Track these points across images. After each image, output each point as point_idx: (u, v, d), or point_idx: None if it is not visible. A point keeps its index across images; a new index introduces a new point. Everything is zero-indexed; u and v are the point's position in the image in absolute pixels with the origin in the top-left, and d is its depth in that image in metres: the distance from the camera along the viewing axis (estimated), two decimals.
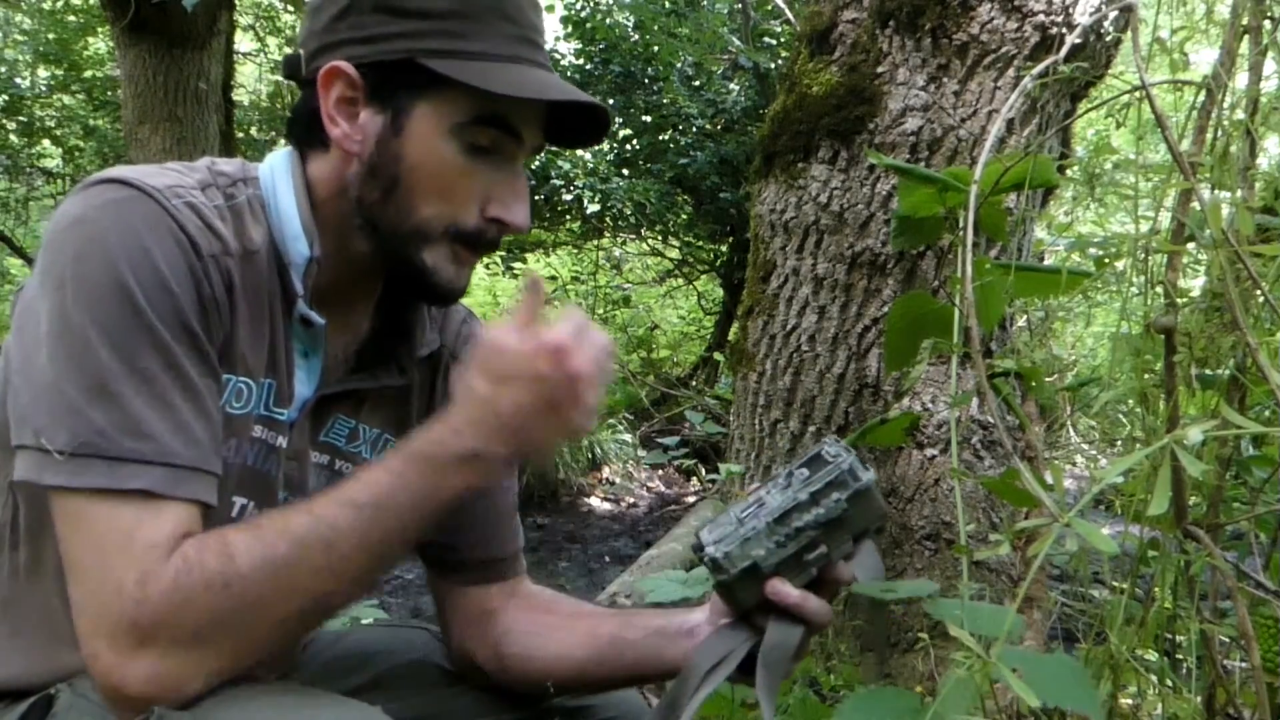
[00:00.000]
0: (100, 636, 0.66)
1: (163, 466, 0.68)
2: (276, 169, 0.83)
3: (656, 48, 5.86)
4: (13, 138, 7.35)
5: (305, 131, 0.83)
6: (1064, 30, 1.77)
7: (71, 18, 7.15)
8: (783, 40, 5.93)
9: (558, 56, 6.50)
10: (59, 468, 0.66)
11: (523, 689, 0.96)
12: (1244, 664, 1.02)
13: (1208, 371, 0.96)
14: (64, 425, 0.66)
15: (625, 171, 6.32)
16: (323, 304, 0.82)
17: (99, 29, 7.04)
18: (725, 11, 6.29)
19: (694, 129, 6.02)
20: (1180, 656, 1.01)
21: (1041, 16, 1.78)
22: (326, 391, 0.85)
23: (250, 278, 0.77)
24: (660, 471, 5.36)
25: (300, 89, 0.83)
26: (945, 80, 1.85)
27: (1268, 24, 0.91)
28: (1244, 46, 0.92)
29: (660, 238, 7.02)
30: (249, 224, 0.79)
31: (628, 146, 6.40)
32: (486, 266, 9.14)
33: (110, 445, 0.66)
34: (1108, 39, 1.86)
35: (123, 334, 0.68)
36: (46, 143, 7.72)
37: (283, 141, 0.89)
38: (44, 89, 7.40)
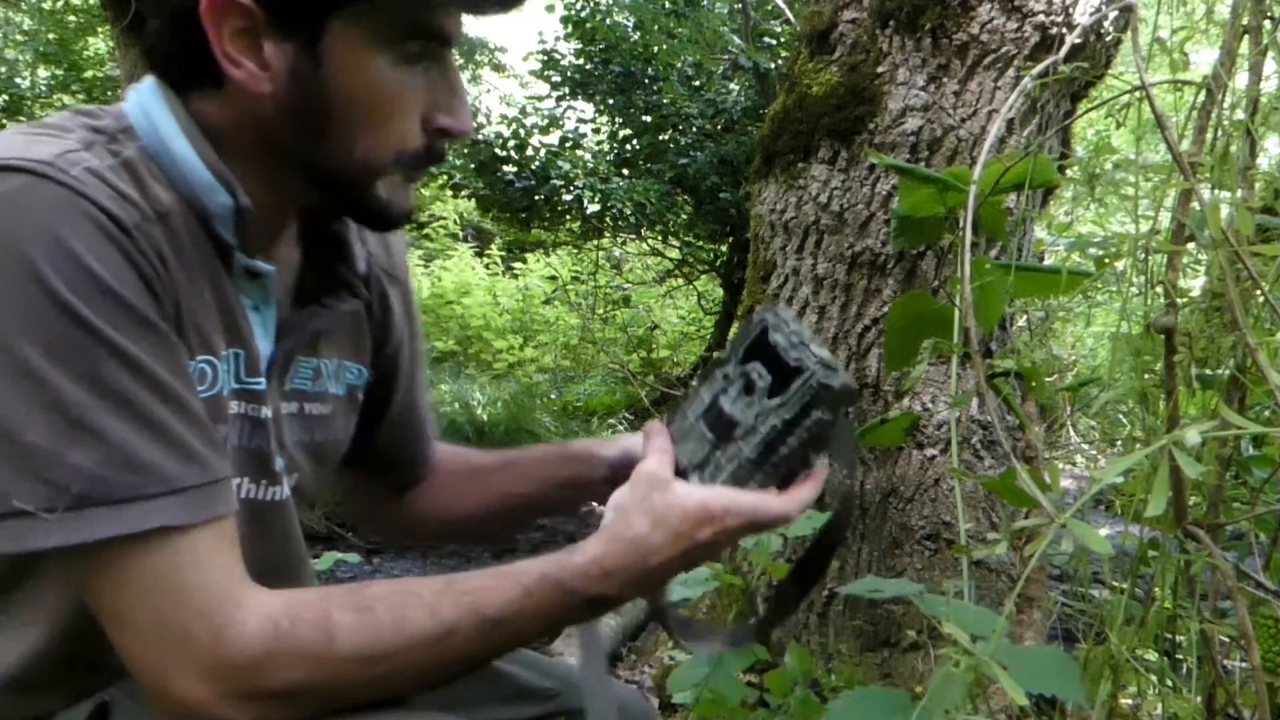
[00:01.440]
0: (169, 680, 0.61)
1: (171, 496, 0.61)
2: (154, 114, 0.69)
3: (656, 48, 5.85)
4: None
5: (183, 71, 0.70)
6: (1064, 30, 1.77)
7: (71, 18, 7.15)
8: (783, 40, 5.93)
9: (558, 56, 6.50)
10: (51, 528, 0.58)
11: (435, 539, 1.01)
12: (1244, 664, 1.02)
13: (1208, 371, 0.96)
14: (41, 480, 0.58)
15: (625, 171, 6.32)
16: (252, 248, 0.74)
17: (99, 29, 7.05)
18: (725, 11, 6.28)
19: (694, 129, 6.01)
20: (1180, 656, 1.01)
21: (1041, 16, 1.78)
22: (287, 342, 0.79)
23: (174, 242, 0.67)
24: None
25: (160, 19, 0.70)
26: (945, 80, 1.85)
27: (1268, 24, 0.91)
28: (1244, 46, 0.92)
29: (660, 238, 7.02)
30: (149, 182, 0.67)
31: (628, 146, 6.40)
32: (486, 266, 9.16)
33: (106, 488, 0.59)
34: (1108, 39, 1.86)
35: (75, 354, 0.58)
36: None
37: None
38: (44, 89, 7.40)
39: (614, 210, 6.07)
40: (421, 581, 0.69)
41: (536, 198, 6.12)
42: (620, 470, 0.88)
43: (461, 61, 8.22)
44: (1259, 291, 0.81)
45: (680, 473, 0.77)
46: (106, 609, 0.62)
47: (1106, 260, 1.12)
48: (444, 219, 10.24)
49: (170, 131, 0.69)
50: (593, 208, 6.08)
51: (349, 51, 0.68)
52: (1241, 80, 0.95)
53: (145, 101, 0.70)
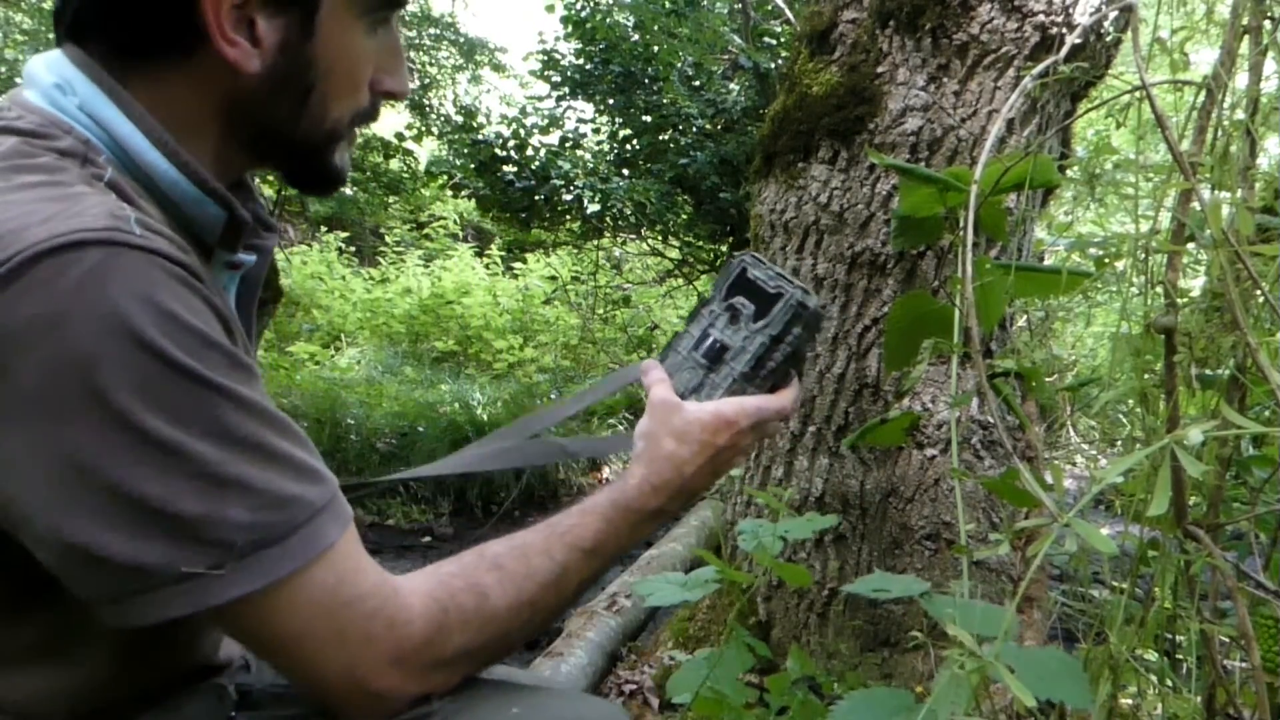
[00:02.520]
0: (362, 676, 0.65)
1: (318, 517, 0.63)
2: (104, 117, 0.64)
3: (656, 48, 5.85)
4: None
5: (141, 41, 0.66)
6: (1064, 30, 1.77)
7: None
8: (783, 40, 5.92)
9: (558, 56, 6.49)
10: (226, 583, 0.58)
11: None
12: (1244, 664, 1.02)
13: (1208, 371, 0.96)
14: (204, 542, 0.58)
15: (625, 171, 6.32)
16: (232, 241, 0.73)
17: None
18: (725, 11, 6.28)
19: (694, 129, 6.01)
20: (1180, 656, 1.01)
21: (1041, 16, 1.78)
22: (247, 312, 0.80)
23: None
24: None
25: None
26: (945, 80, 1.85)
27: (1268, 24, 0.91)
28: (1244, 46, 0.92)
29: (660, 238, 7.02)
30: (140, 203, 0.64)
31: (628, 146, 6.39)
32: (486, 266, 9.16)
33: (266, 531, 0.60)
34: (1108, 39, 1.86)
35: (200, 413, 0.58)
36: None
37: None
38: None
39: (614, 210, 6.07)
40: (528, 533, 0.77)
41: (536, 198, 6.11)
42: None
43: (461, 61, 8.23)
44: (1259, 291, 0.81)
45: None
46: (280, 639, 0.64)
47: (1106, 260, 1.12)
48: (444, 219, 10.24)
49: (137, 143, 0.65)
50: (593, 208, 6.07)
51: (338, 22, 0.69)
52: (1241, 80, 0.95)
53: (88, 102, 0.64)
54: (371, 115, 0.78)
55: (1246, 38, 0.91)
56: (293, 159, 0.76)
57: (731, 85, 6.22)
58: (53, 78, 0.66)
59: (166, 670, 0.76)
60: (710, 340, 0.88)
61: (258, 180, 0.93)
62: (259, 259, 0.80)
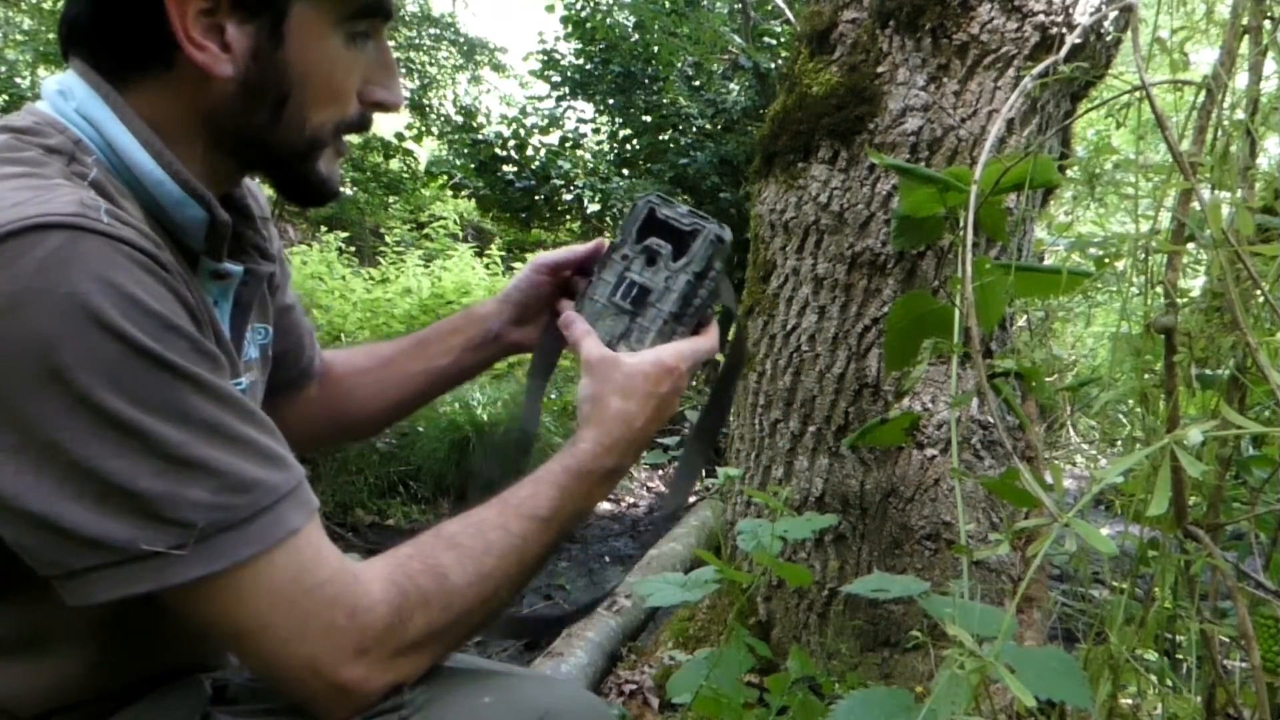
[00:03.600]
0: (323, 667, 0.65)
1: (281, 503, 0.63)
2: (98, 120, 0.67)
3: (657, 48, 5.86)
4: None
5: (128, 55, 0.69)
6: (1064, 30, 1.77)
7: None
8: (783, 40, 5.93)
9: (558, 56, 6.50)
10: (187, 563, 0.59)
11: (367, 427, 1.12)
12: (1244, 664, 1.02)
13: (1208, 371, 0.96)
14: (164, 521, 0.59)
15: (625, 171, 6.32)
16: (218, 250, 0.75)
17: None
18: (725, 11, 6.28)
19: (694, 129, 6.01)
20: (1180, 656, 1.01)
21: (1041, 16, 1.78)
22: (237, 327, 0.81)
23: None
24: (660, 471, 5.35)
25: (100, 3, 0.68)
26: (945, 80, 1.85)
27: (1268, 24, 0.91)
28: (1244, 46, 0.92)
29: None
30: (120, 200, 0.65)
31: (628, 146, 6.40)
32: (487, 266, 9.15)
33: (228, 513, 0.60)
34: (1108, 39, 1.86)
35: (161, 395, 0.59)
36: None
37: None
38: None
39: (614, 210, 6.08)
40: (483, 509, 0.76)
41: (536, 198, 6.12)
42: (511, 308, 1.07)
43: (461, 61, 8.24)
44: (1259, 291, 0.81)
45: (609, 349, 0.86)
46: (241, 627, 0.63)
47: (1106, 260, 1.12)
48: (444, 219, 10.23)
49: (125, 142, 0.67)
50: (593, 207, 6.08)
51: (308, 31, 0.70)
52: (1241, 80, 0.95)
53: (84, 105, 0.68)
54: (361, 126, 0.78)
55: (1246, 38, 0.91)
56: (276, 167, 0.77)
57: (731, 85, 6.22)
58: (57, 86, 0.70)
59: (144, 667, 0.76)
60: (630, 284, 0.87)
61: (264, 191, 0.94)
62: (252, 281, 0.81)
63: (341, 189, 0.84)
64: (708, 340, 0.88)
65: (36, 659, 0.69)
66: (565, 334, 0.90)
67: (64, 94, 0.69)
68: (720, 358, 0.95)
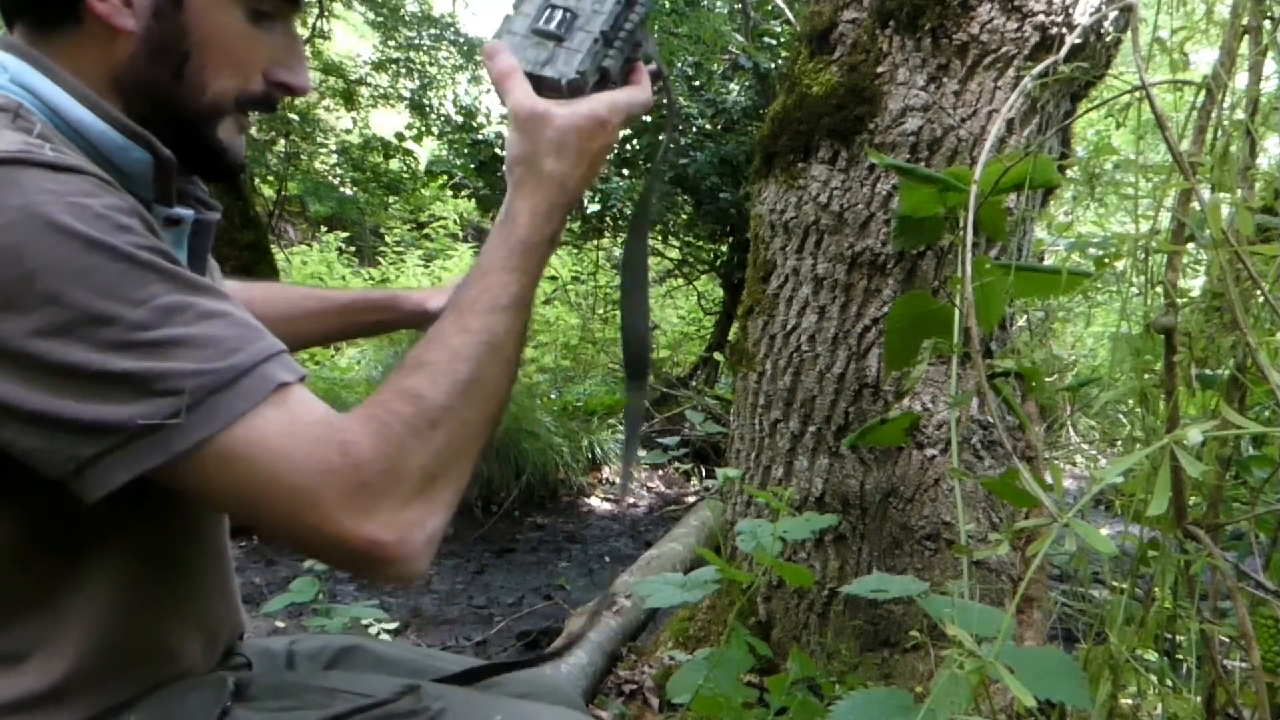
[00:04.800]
0: (336, 518, 0.64)
1: (267, 362, 0.65)
2: (33, 85, 0.71)
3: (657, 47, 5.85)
4: None
5: (41, 10, 0.73)
6: (1064, 30, 1.77)
7: None
8: (783, 40, 5.93)
9: None
10: (185, 428, 0.61)
11: None
12: (1244, 664, 1.02)
13: (1208, 371, 0.96)
14: (153, 394, 0.61)
15: (625, 171, 6.32)
16: (168, 196, 0.77)
17: None
18: (725, 11, 6.28)
19: (694, 129, 6.01)
20: (1180, 656, 1.01)
21: (1041, 16, 1.78)
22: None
23: None
24: (660, 471, 5.35)
25: None
26: (945, 80, 1.85)
27: (1268, 24, 0.91)
28: (1244, 46, 0.92)
29: (660, 238, 7.02)
30: (67, 152, 0.68)
31: (628, 146, 6.39)
32: None
33: (215, 377, 0.62)
34: (1108, 39, 1.86)
35: (126, 284, 0.61)
36: None
37: None
38: None
39: (614, 210, 6.08)
40: (437, 323, 0.73)
41: None
42: (419, 320, 1.13)
43: (461, 61, 8.23)
44: (1259, 291, 0.81)
45: (534, 80, 0.79)
46: (249, 488, 0.64)
47: (1106, 260, 1.12)
48: (444, 219, 10.24)
49: (62, 100, 0.71)
50: (593, 208, 6.08)
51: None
52: (1241, 80, 0.95)
53: (18, 75, 0.71)
54: (266, 103, 0.81)
55: (1246, 38, 0.91)
56: (179, 130, 0.78)
57: (731, 85, 6.22)
58: None
59: (145, 649, 0.77)
60: (553, 9, 0.80)
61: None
62: (203, 231, 0.84)
63: (243, 167, 0.86)
64: (641, 92, 0.82)
65: (45, 619, 0.71)
66: (488, 66, 0.81)
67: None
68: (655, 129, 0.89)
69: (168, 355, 0.61)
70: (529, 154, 0.77)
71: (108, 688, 0.75)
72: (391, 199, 9.50)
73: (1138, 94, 0.92)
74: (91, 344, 0.60)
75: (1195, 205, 0.84)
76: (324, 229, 10.15)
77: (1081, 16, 1.77)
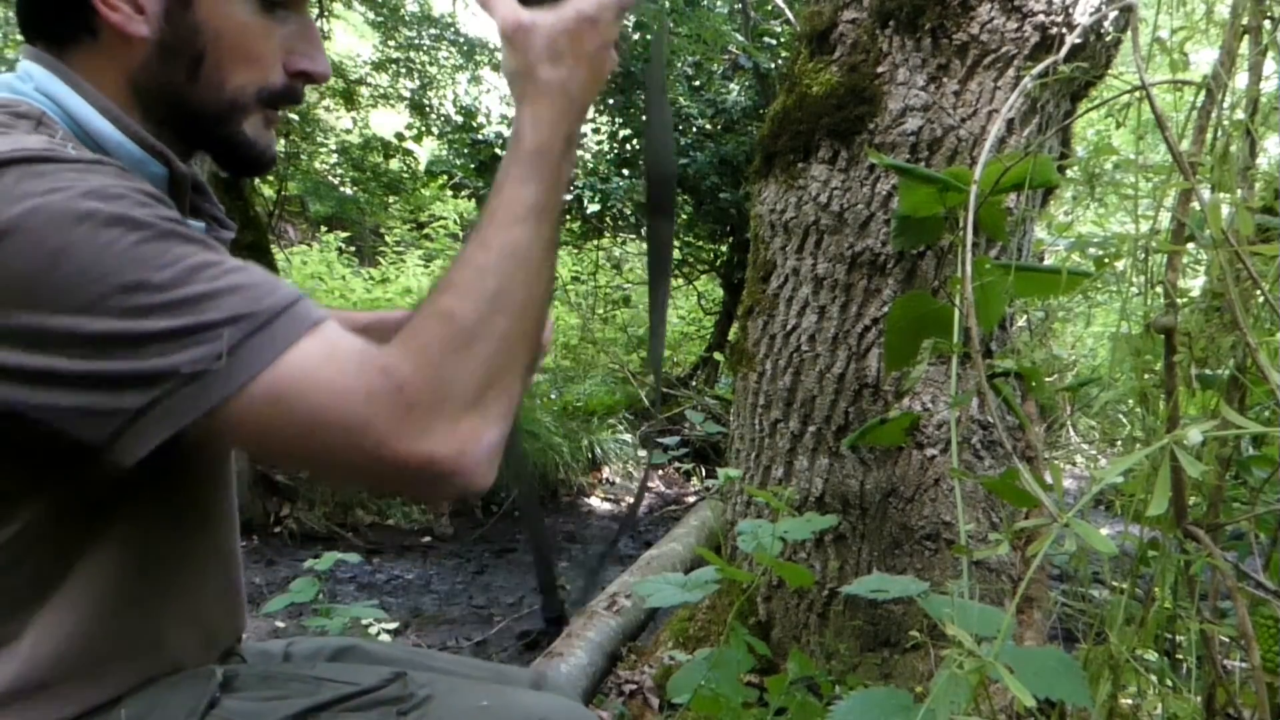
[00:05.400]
0: (391, 441, 0.64)
1: (297, 305, 0.65)
2: (57, 95, 0.73)
3: None
4: None
5: (56, 24, 0.74)
6: (1064, 30, 1.77)
7: None
8: (783, 40, 5.93)
9: None
10: (226, 374, 0.62)
11: None
12: (1244, 664, 1.02)
13: (1208, 371, 0.96)
14: (193, 344, 0.62)
15: (625, 171, 6.32)
16: (182, 210, 0.77)
17: None
18: (725, 11, 6.28)
19: (694, 129, 6.01)
20: (1180, 656, 1.01)
21: (1041, 16, 1.78)
22: None
23: None
24: (660, 471, 5.36)
25: None
26: (945, 80, 1.85)
27: (1268, 24, 0.91)
28: (1244, 46, 0.92)
29: None
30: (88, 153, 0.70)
31: (628, 146, 6.39)
32: None
33: (252, 321, 0.63)
34: (1108, 39, 1.86)
35: (150, 250, 0.62)
36: None
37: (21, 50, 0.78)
38: None
39: (614, 210, 6.08)
40: (461, 249, 0.73)
41: None
42: None
43: (461, 61, 8.23)
44: (1259, 291, 0.81)
45: None
46: (295, 426, 0.64)
47: (1106, 260, 1.12)
48: (444, 219, 10.24)
49: (84, 111, 0.72)
50: (593, 208, 6.07)
51: None
52: (1241, 80, 0.95)
53: (42, 84, 0.72)
54: (290, 96, 0.81)
55: (1246, 38, 0.91)
56: (202, 130, 0.79)
57: (731, 85, 6.22)
58: (15, 72, 0.75)
59: (153, 630, 0.78)
60: None
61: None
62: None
63: (275, 159, 0.86)
64: None
65: (34, 611, 0.71)
66: None
67: (21, 78, 0.74)
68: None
69: (201, 308, 0.62)
70: (523, 66, 0.76)
71: (100, 682, 0.75)
72: (391, 199, 9.50)
73: (1138, 94, 0.92)
74: (126, 312, 0.61)
75: (1195, 205, 0.84)
76: (324, 229, 10.14)
77: (1081, 16, 1.77)
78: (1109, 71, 1.92)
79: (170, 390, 0.62)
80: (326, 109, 8.08)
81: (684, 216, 6.61)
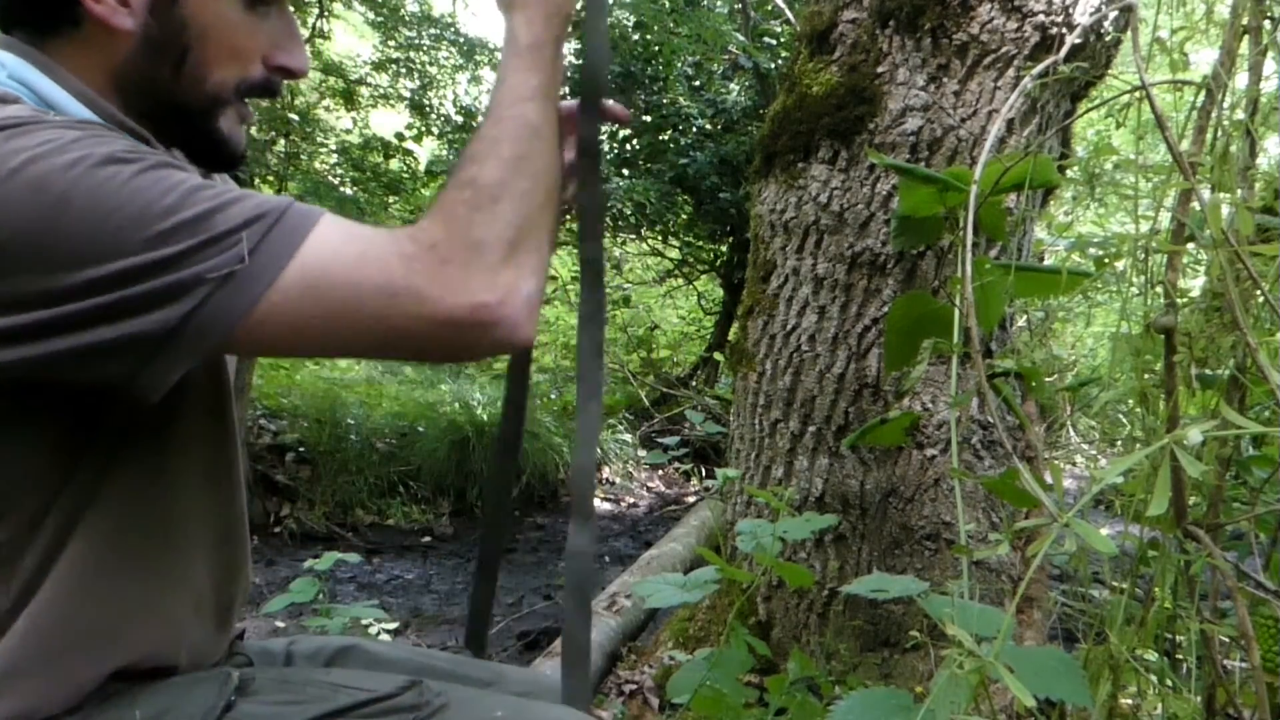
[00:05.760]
0: (432, 298, 0.66)
1: (297, 201, 0.68)
2: (35, 84, 0.72)
3: (658, 47, 5.85)
4: None
5: (40, 15, 0.74)
6: (1064, 30, 1.77)
7: None
8: (783, 40, 5.93)
9: None
10: (257, 268, 0.63)
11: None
12: (1244, 664, 1.02)
13: (1208, 371, 0.96)
14: (215, 251, 0.63)
15: (625, 171, 6.32)
16: None
17: None
18: (725, 11, 6.28)
19: (694, 129, 6.01)
20: (1180, 656, 1.01)
21: (1041, 16, 1.78)
22: None
23: None
24: (660, 471, 5.36)
25: None
26: (945, 80, 1.85)
27: (1268, 24, 0.91)
28: (1244, 46, 0.92)
29: (660, 238, 7.02)
30: None
31: (628, 146, 6.40)
32: None
33: (265, 220, 0.65)
34: (1108, 39, 1.86)
35: (156, 180, 0.63)
36: None
37: None
38: None
39: (614, 210, 6.08)
40: (475, 131, 0.77)
41: None
42: None
43: (461, 61, 8.23)
44: (1259, 291, 0.81)
45: None
46: (337, 306, 0.66)
47: (1106, 260, 1.12)
48: None
49: (59, 96, 0.72)
50: None
51: None
52: (1241, 80, 0.95)
53: (15, 71, 0.72)
54: (267, 89, 0.81)
55: (1246, 38, 0.91)
56: (180, 124, 0.79)
57: (731, 85, 6.22)
58: None
59: (142, 600, 0.77)
60: None
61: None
62: None
63: (245, 156, 0.87)
64: None
65: (13, 578, 0.71)
66: None
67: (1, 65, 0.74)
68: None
69: (213, 221, 0.63)
70: None
71: (93, 656, 0.73)
72: (391, 199, 9.49)
73: (1138, 94, 0.92)
74: (141, 244, 0.62)
75: (1195, 205, 0.84)
76: None
77: (1081, 16, 1.77)
78: (1109, 71, 1.92)
79: (204, 299, 0.62)
80: (326, 109, 8.08)
81: (684, 216, 6.62)
